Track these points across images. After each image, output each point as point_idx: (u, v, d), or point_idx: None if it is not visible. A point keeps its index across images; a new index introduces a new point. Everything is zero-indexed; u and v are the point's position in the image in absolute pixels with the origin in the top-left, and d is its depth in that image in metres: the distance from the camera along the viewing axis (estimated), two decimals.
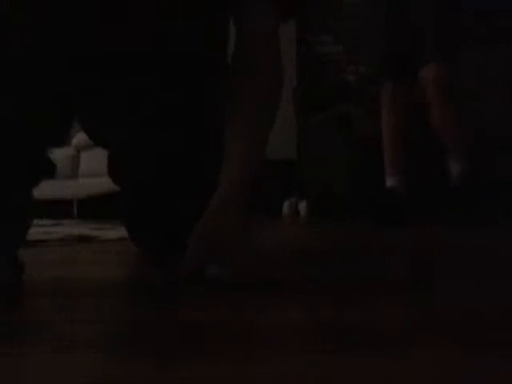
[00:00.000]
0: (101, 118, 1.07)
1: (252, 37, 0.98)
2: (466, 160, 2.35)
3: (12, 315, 0.69)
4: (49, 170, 0.97)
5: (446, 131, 2.37)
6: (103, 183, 4.54)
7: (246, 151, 0.91)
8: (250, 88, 0.95)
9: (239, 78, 0.97)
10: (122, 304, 0.76)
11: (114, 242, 1.80)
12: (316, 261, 1.22)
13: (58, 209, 4.42)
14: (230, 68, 0.99)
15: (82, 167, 4.84)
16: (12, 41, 0.89)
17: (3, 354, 0.50)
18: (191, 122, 1.04)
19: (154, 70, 1.01)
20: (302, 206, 3.93)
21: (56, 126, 0.97)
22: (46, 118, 0.93)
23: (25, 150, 0.91)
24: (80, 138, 4.77)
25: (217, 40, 1.04)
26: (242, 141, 0.91)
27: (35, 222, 0.98)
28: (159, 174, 1.02)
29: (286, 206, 4.04)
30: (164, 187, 1.03)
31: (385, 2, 2.52)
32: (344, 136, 3.82)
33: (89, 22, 0.95)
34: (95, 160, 4.54)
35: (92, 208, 4.53)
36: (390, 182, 2.47)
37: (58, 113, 0.96)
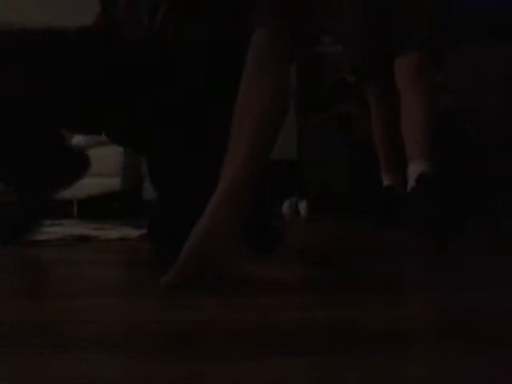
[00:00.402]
0: (103, 117, 1.07)
1: (255, 58, 0.94)
2: (431, 161, 2.08)
3: (12, 315, 0.69)
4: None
5: (408, 127, 2.13)
6: (103, 183, 4.54)
7: (249, 151, 0.90)
8: (256, 90, 0.94)
9: (243, 80, 0.95)
10: (122, 304, 0.76)
11: (114, 241, 1.80)
12: (316, 261, 1.21)
13: (57, 209, 4.42)
14: (234, 69, 0.98)
15: None
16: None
17: (3, 353, 0.50)
18: (191, 121, 1.04)
19: (153, 70, 1.01)
20: (302, 206, 3.93)
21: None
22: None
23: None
24: (80, 137, 4.76)
25: (219, 41, 1.04)
26: (245, 141, 0.91)
27: None
28: (159, 173, 1.02)
29: (285, 206, 4.03)
30: (164, 187, 1.03)
31: (367, 3, 2.39)
32: (344, 136, 3.82)
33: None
34: (95, 160, 4.53)
35: (92, 208, 4.52)
36: (386, 181, 2.46)
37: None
